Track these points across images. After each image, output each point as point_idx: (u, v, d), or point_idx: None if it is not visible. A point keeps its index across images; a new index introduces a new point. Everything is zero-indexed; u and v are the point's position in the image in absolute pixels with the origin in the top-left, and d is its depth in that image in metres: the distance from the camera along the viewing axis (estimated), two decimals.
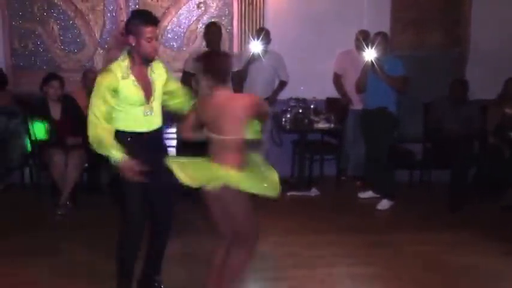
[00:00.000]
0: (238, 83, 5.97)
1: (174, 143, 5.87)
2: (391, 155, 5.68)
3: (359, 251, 4.55)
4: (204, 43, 6.15)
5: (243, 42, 6.53)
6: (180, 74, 6.07)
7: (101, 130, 3.18)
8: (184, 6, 6.55)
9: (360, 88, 5.76)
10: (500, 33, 6.77)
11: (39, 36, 6.42)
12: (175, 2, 6.52)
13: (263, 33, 6.02)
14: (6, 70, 6.19)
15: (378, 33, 5.57)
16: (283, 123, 6.11)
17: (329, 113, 6.25)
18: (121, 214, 3.47)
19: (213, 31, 5.89)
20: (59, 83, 5.53)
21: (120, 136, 3.24)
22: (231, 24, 6.61)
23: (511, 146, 5.83)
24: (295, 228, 5.04)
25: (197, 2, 6.56)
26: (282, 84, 6.34)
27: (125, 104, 3.24)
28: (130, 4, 6.45)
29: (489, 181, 5.92)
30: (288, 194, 5.91)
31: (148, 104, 3.30)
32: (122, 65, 3.24)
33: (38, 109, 5.55)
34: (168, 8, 6.53)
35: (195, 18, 6.59)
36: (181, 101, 3.57)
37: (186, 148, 4.64)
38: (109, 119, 3.21)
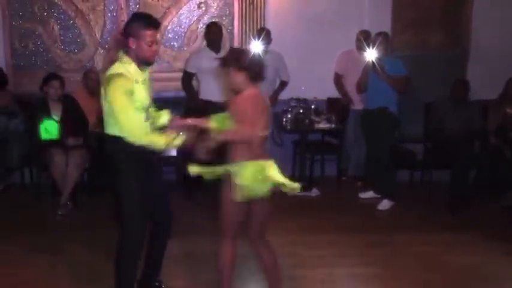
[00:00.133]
0: None
1: None
2: (391, 155, 5.68)
3: (359, 251, 4.55)
4: (204, 43, 6.16)
5: (244, 42, 6.51)
6: (181, 74, 6.09)
7: (145, 132, 3.20)
8: (185, 6, 6.55)
9: (361, 88, 5.75)
10: (501, 33, 6.75)
11: (40, 36, 6.42)
12: (176, 1, 6.51)
13: (264, 33, 6.01)
14: (7, 70, 6.19)
15: (379, 33, 5.56)
16: (283, 123, 6.11)
17: (330, 113, 6.24)
18: (120, 220, 3.37)
19: (213, 31, 5.89)
20: (59, 83, 5.53)
21: (125, 142, 3.18)
22: (232, 24, 6.60)
23: None
24: (295, 228, 5.04)
25: (198, 2, 6.56)
26: (283, 84, 6.33)
27: (135, 108, 3.18)
28: (130, 4, 6.44)
29: (490, 181, 5.92)
30: (289, 194, 5.89)
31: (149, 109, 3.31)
32: (129, 69, 3.16)
33: (38, 109, 5.54)
34: (168, 8, 6.52)
35: (195, 18, 6.58)
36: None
37: None
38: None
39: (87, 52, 6.51)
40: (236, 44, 6.58)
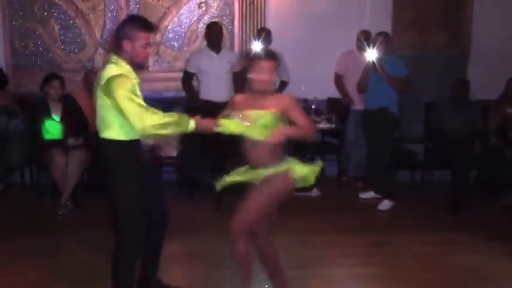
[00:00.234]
0: (240, 83, 5.96)
1: None
2: (392, 155, 5.67)
3: (359, 251, 4.54)
4: (204, 43, 6.16)
5: (244, 42, 6.52)
6: (181, 74, 6.09)
7: (154, 115, 3.05)
8: (185, 6, 6.55)
9: (362, 88, 5.75)
10: (502, 33, 6.75)
11: (40, 36, 6.42)
12: (176, 1, 6.52)
13: (264, 33, 6.02)
14: (7, 70, 6.20)
15: (380, 33, 5.56)
16: None
17: (330, 113, 6.24)
18: (115, 224, 3.32)
19: (214, 31, 5.89)
20: (59, 83, 5.53)
21: (122, 144, 3.16)
22: (232, 24, 6.60)
23: None
24: (295, 228, 5.03)
25: (198, 2, 6.56)
26: (283, 85, 6.32)
27: None
28: (131, 4, 6.45)
29: (490, 181, 5.91)
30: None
31: None
32: (127, 70, 3.13)
33: (38, 109, 5.54)
34: (169, 8, 6.53)
35: (196, 18, 6.58)
36: None
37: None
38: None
39: (87, 52, 6.51)
40: (236, 44, 6.58)
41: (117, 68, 3.11)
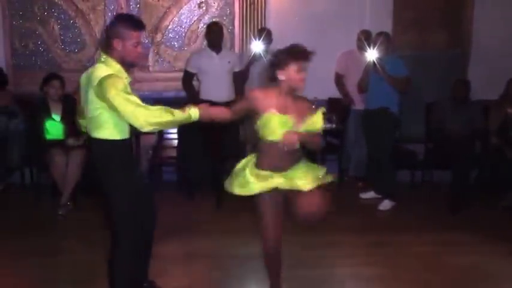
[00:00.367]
0: (241, 83, 5.97)
1: None
2: (392, 155, 5.67)
3: (360, 251, 4.54)
4: (205, 43, 6.15)
5: (245, 42, 6.51)
6: (181, 74, 6.08)
7: (154, 111, 3.04)
8: (185, 6, 6.54)
9: (362, 88, 5.75)
10: (502, 33, 6.74)
11: (40, 36, 6.42)
12: (176, 1, 6.51)
13: (264, 33, 6.01)
14: (7, 70, 6.19)
15: (380, 33, 5.55)
16: None
17: (330, 113, 6.21)
18: (111, 225, 3.29)
19: (214, 31, 5.88)
20: (59, 82, 5.53)
21: (115, 144, 3.16)
22: (233, 24, 6.60)
23: None
24: (295, 229, 5.01)
25: (198, 2, 6.55)
26: None
27: None
28: (131, 4, 6.44)
29: (491, 182, 5.91)
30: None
31: None
32: (117, 69, 3.10)
33: (38, 109, 5.54)
34: (169, 8, 6.52)
35: (196, 18, 6.58)
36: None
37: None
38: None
39: (87, 52, 6.51)
40: (237, 44, 6.57)
41: (106, 68, 3.08)
